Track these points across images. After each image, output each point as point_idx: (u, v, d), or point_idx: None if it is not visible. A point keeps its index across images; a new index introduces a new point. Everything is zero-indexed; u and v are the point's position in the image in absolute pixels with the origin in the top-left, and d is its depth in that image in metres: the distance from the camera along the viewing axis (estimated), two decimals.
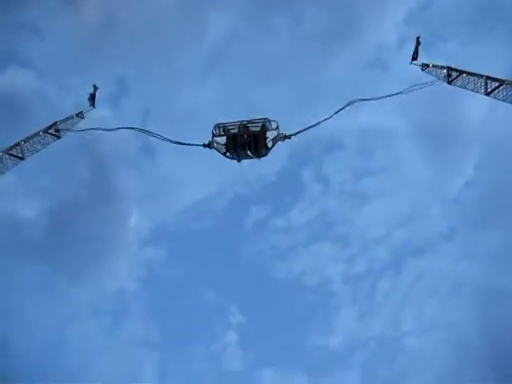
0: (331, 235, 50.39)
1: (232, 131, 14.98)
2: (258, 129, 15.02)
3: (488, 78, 15.98)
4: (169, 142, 16.40)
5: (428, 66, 19.04)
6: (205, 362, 45.76)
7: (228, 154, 15.51)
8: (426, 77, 19.30)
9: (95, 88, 22.15)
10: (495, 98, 15.62)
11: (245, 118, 15.18)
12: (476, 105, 39.10)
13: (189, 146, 15.84)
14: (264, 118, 15.07)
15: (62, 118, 20.40)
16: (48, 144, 19.53)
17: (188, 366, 45.77)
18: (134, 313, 46.12)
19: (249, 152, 15.26)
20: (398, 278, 47.07)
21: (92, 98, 22.05)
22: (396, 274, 47.32)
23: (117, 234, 43.86)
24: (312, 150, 49.88)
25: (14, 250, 38.45)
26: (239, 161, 15.65)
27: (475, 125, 41.04)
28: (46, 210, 41.38)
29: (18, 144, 18.28)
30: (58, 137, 19.91)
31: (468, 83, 16.67)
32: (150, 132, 17.34)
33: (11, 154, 18.03)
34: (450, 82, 17.41)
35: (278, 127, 15.34)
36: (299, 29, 46.08)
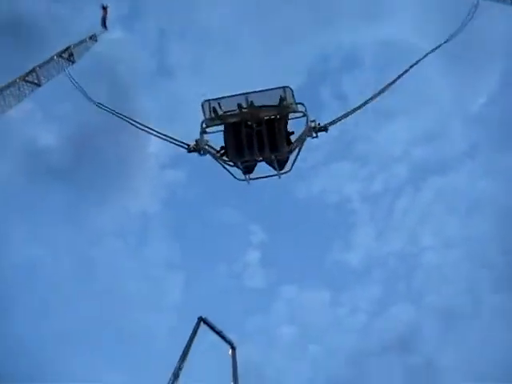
0: (350, 154, 50.21)
1: (231, 116, 9.07)
2: (275, 108, 9.05)
3: None
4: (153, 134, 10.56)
5: None
6: (227, 280, 47.33)
7: (227, 158, 9.53)
8: None
9: (105, 8, 21.58)
10: None
11: (253, 86, 9.01)
12: (503, 18, 37.42)
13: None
14: (283, 87, 8.91)
15: (75, 42, 20.11)
16: (63, 69, 19.31)
17: (211, 285, 47.43)
18: (157, 234, 47.38)
19: (259, 152, 9.19)
20: (416, 196, 47.19)
21: (103, 19, 21.56)
22: (415, 191, 47.39)
23: (137, 159, 44.24)
24: (330, 65, 48.79)
25: (37, 177, 39.19)
26: (246, 173, 9.72)
27: (501, 40, 39.43)
28: (66, 136, 41.67)
29: (33, 70, 18.07)
30: (73, 61, 19.64)
31: None
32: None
33: (27, 81, 17.89)
34: None
35: (306, 111, 9.26)
36: None
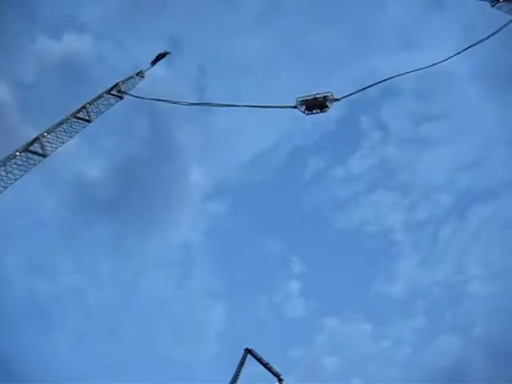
0: (391, 183, 49.58)
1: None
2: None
3: None
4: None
5: (498, 1, 18.10)
6: (268, 311, 46.96)
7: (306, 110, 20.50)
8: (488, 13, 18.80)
9: (165, 54, 22.58)
10: None
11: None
12: None
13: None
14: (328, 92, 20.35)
15: (123, 79, 20.76)
16: (112, 105, 19.88)
17: (252, 315, 47.10)
18: (200, 265, 47.60)
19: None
20: (461, 225, 45.99)
21: (157, 59, 22.41)
22: (459, 220, 46.21)
23: (180, 190, 44.98)
24: (369, 95, 48.77)
25: (84, 210, 40.18)
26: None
27: None
28: (111, 169, 42.80)
29: (83, 107, 18.71)
30: (121, 97, 20.24)
31: None
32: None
33: (79, 118, 18.51)
34: None
35: (332, 96, 20.05)
36: None
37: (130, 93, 20.73)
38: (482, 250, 44.16)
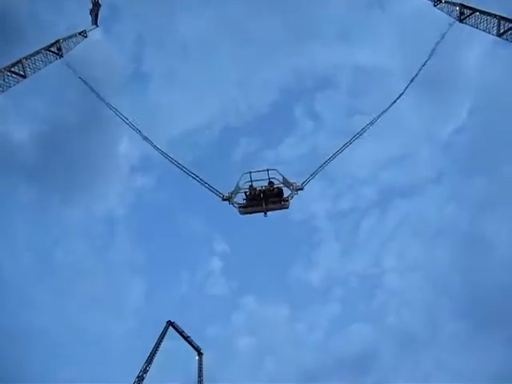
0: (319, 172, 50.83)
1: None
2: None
3: (502, 18, 15.80)
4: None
5: (440, 1, 18.71)
6: (189, 287, 47.14)
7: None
8: (427, 14, 19.35)
9: (96, 4, 21.52)
10: (507, 39, 15.51)
11: None
12: (473, 51, 38.89)
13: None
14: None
15: (64, 36, 19.91)
16: (50, 62, 19.03)
17: (173, 290, 47.13)
18: (123, 237, 46.89)
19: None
20: (382, 218, 48.06)
21: (95, 16, 21.47)
22: (381, 213, 48.23)
23: (107, 160, 43.90)
24: (304, 85, 49.49)
25: (6, 172, 38.29)
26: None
27: (471, 71, 40.99)
28: (38, 133, 41.04)
29: (19, 61, 17.78)
30: (61, 55, 19.46)
31: (480, 22, 16.50)
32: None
33: (13, 72, 17.60)
34: (461, 20, 17.26)
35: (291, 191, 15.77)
36: None
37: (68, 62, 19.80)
38: (400, 244, 46.37)
